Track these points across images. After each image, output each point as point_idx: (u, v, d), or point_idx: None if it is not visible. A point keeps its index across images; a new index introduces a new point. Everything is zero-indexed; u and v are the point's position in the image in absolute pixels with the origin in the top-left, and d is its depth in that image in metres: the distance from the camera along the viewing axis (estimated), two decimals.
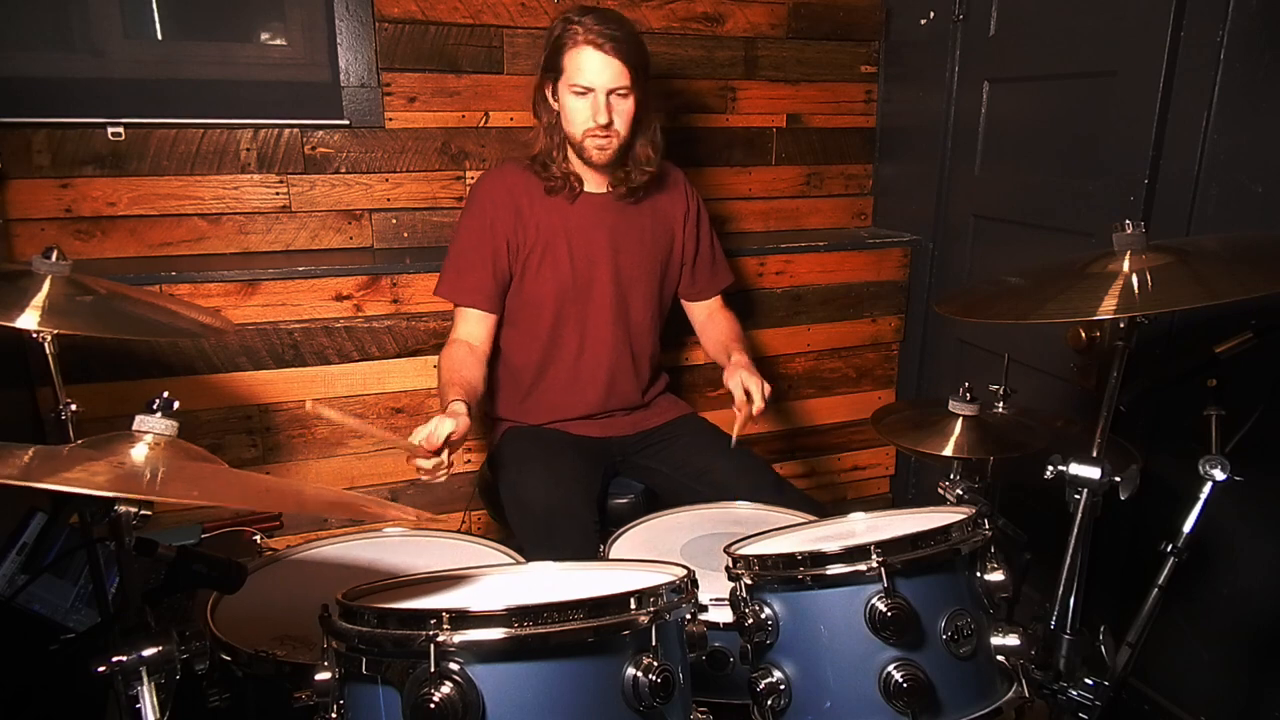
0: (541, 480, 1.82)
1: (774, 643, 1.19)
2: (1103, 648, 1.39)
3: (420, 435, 1.58)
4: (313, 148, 2.35)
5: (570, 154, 1.95)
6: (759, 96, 2.77)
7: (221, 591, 1.41)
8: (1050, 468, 1.32)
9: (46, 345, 1.28)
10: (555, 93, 1.88)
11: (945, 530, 1.17)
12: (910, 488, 2.98)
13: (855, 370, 2.83)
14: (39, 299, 1.23)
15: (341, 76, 2.32)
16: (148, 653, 1.05)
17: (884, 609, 1.09)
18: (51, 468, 0.93)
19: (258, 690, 1.28)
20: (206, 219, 2.30)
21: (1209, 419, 1.38)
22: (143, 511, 1.09)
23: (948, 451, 1.58)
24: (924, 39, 2.68)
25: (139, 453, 1.04)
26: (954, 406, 1.63)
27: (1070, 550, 1.32)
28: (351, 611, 1.01)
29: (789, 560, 1.17)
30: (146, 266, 2.16)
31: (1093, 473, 1.28)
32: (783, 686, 1.17)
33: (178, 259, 2.26)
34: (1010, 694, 1.18)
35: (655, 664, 0.98)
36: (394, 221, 2.45)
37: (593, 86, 1.81)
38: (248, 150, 2.29)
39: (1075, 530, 1.31)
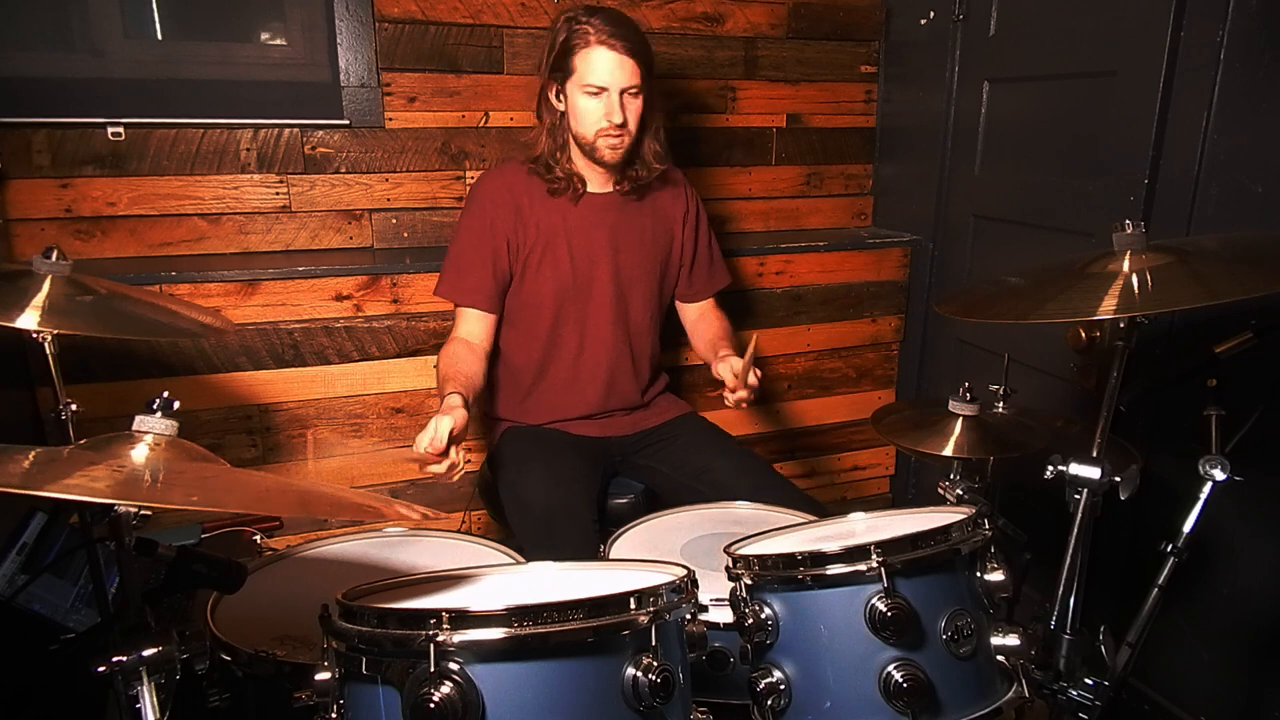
0: (541, 480, 1.82)
1: (774, 643, 1.19)
2: (1103, 648, 1.39)
3: (424, 442, 1.57)
4: (313, 148, 2.35)
5: (574, 154, 1.95)
6: (759, 96, 2.77)
7: (221, 591, 1.41)
8: (1050, 468, 1.32)
9: (46, 345, 1.28)
10: (562, 94, 1.88)
11: (945, 530, 1.17)
12: (910, 488, 2.98)
13: (855, 370, 2.83)
14: (39, 299, 1.23)
15: (341, 76, 2.32)
16: (148, 653, 1.06)
17: (884, 609, 1.09)
18: (52, 473, 0.93)
19: (258, 690, 1.28)
20: (206, 219, 2.30)
21: (1209, 419, 1.38)
22: (143, 511, 1.09)
23: (948, 451, 1.58)
24: (924, 39, 2.68)
25: (139, 454, 1.04)
26: (954, 406, 1.63)
27: (1070, 550, 1.32)
28: (351, 611, 1.01)
29: (789, 560, 1.17)
30: (146, 266, 2.16)
31: (1093, 473, 1.28)
32: (783, 686, 1.17)
33: (178, 259, 2.26)
34: (1010, 694, 1.18)
35: (655, 664, 0.98)
36: (394, 221, 2.45)
37: (607, 86, 1.81)
38: (248, 150, 2.29)
39: (1075, 530, 1.31)
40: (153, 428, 1.07)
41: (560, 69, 1.85)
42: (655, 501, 2.02)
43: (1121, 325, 1.29)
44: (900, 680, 1.09)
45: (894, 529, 1.19)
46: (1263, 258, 1.27)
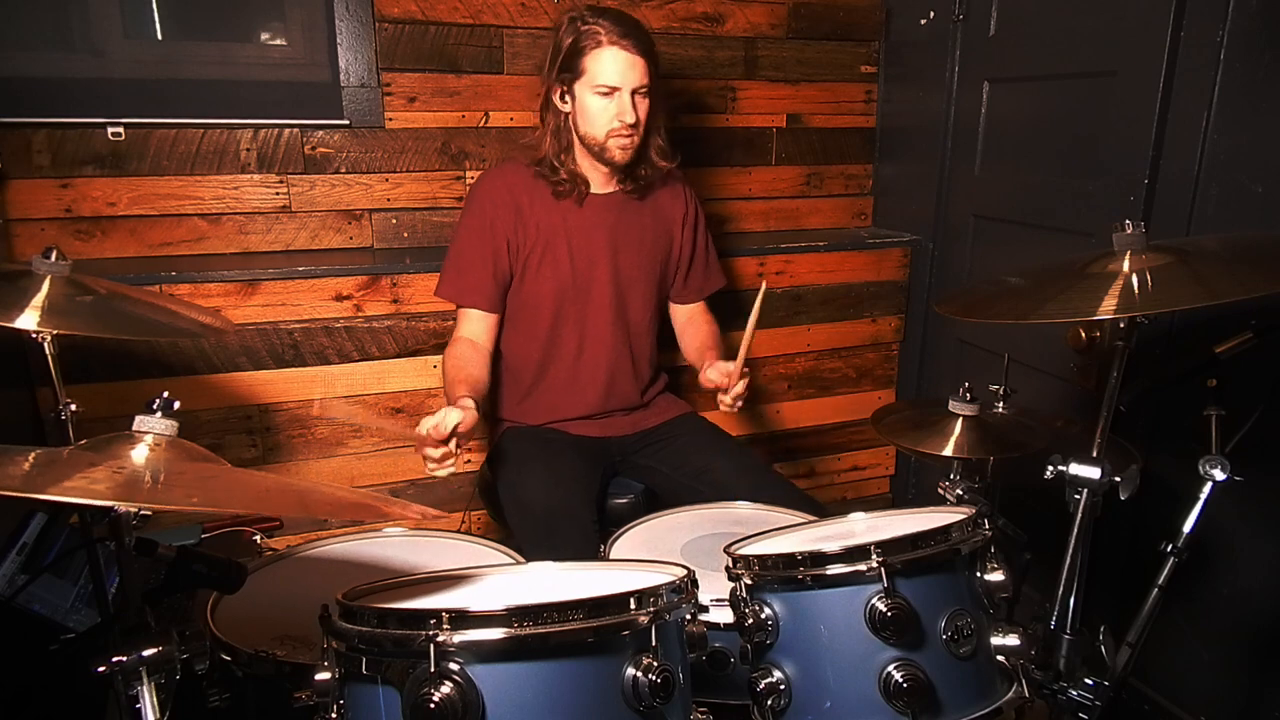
0: (541, 480, 1.82)
1: (774, 643, 1.19)
2: (1103, 648, 1.39)
3: (428, 424, 1.58)
4: (313, 148, 2.35)
5: (578, 155, 1.94)
6: (759, 96, 2.77)
7: (221, 591, 1.41)
8: (1050, 468, 1.32)
9: (46, 345, 1.28)
10: (568, 95, 1.88)
11: (945, 530, 1.17)
12: (910, 488, 2.98)
13: (855, 370, 2.83)
14: (39, 299, 1.23)
15: (341, 76, 2.32)
16: (148, 653, 1.06)
17: (884, 609, 1.09)
18: (52, 475, 0.93)
19: (258, 690, 1.28)
20: (206, 219, 2.30)
21: (1209, 419, 1.38)
22: (143, 511, 1.09)
23: (948, 451, 1.58)
24: (924, 39, 2.68)
25: (139, 454, 1.04)
26: (954, 406, 1.63)
27: (1070, 550, 1.32)
28: (351, 611, 1.01)
29: (789, 560, 1.17)
30: (146, 266, 2.16)
31: (1093, 473, 1.28)
32: (783, 686, 1.17)
33: (178, 259, 2.26)
34: (1010, 694, 1.18)
35: (655, 664, 0.98)
36: (394, 221, 2.45)
37: (619, 86, 1.82)
38: (248, 150, 2.29)
39: (1075, 530, 1.31)
40: (153, 428, 1.07)
41: (569, 70, 1.84)
42: (655, 501, 2.02)
43: (1121, 325, 1.29)
44: (900, 680, 1.09)
45: (894, 529, 1.19)
46: (1263, 258, 1.27)
